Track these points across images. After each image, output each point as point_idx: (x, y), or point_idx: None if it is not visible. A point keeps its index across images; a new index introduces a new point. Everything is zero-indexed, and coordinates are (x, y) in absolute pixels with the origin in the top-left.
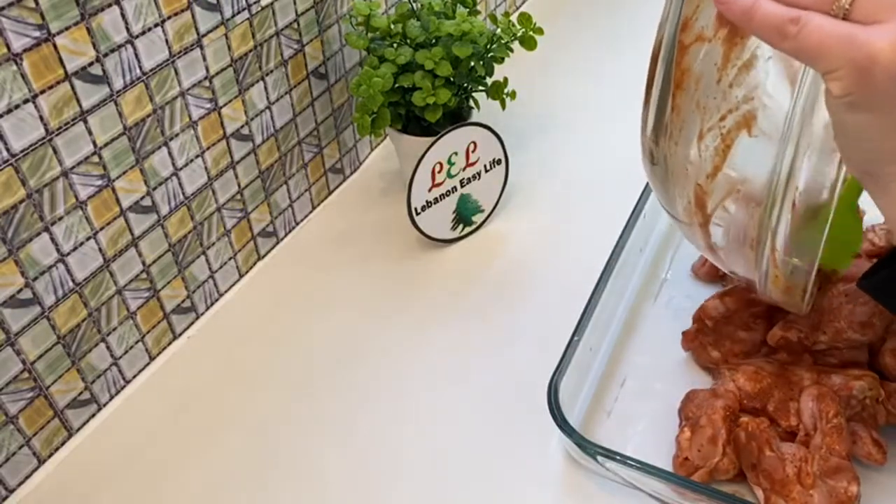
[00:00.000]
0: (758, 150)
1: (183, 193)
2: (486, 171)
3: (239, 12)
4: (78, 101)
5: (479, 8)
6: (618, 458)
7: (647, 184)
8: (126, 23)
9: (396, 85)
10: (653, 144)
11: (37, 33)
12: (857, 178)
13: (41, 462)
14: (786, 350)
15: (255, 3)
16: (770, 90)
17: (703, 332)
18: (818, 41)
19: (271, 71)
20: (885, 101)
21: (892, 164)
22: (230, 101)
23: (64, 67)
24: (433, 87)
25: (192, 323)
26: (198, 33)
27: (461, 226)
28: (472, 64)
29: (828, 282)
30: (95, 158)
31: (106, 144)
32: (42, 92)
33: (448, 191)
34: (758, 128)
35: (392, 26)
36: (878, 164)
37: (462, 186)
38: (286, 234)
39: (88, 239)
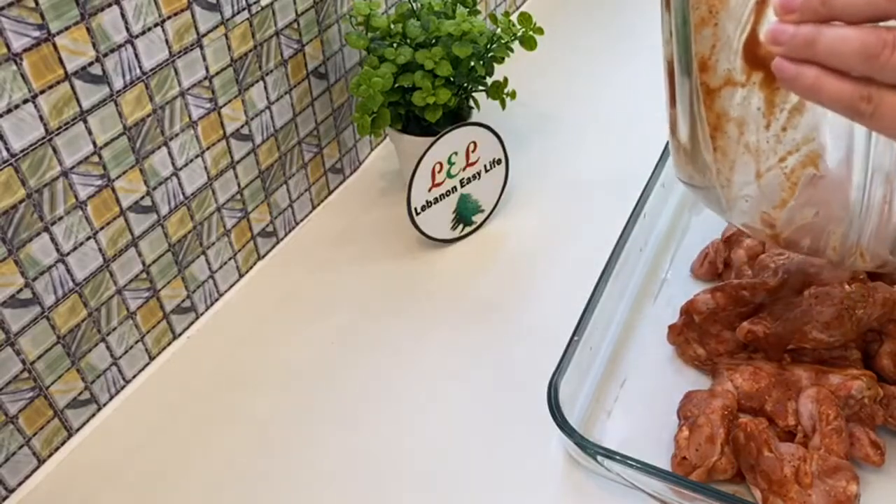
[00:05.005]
0: (832, 181)
1: (183, 193)
2: (486, 171)
3: (239, 12)
4: (78, 100)
5: (479, 7)
6: (618, 458)
7: (648, 184)
8: (126, 22)
9: (396, 85)
10: (693, 172)
11: (37, 33)
12: None
13: (41, 462)
14: (760, 348)
15: (255, 2)
16: (832, 130)
17: (690, 328)
18: None
19: (271, 71)
20: None
21: None
22: (230, 101)
23: (64, 67)
24: (433, 87)
25: (191, 323)
26: (198, 33)
27: (461, 226)
28: (472, 64)
29: None
30: (95, 158)
31: (106, 144)
32: (42, 92)
33: (448, 191)
34: (826, 163)
35: (392, 26)
36: None
37: (462, 186)
38: (286, 234)
39: (88, 239)
